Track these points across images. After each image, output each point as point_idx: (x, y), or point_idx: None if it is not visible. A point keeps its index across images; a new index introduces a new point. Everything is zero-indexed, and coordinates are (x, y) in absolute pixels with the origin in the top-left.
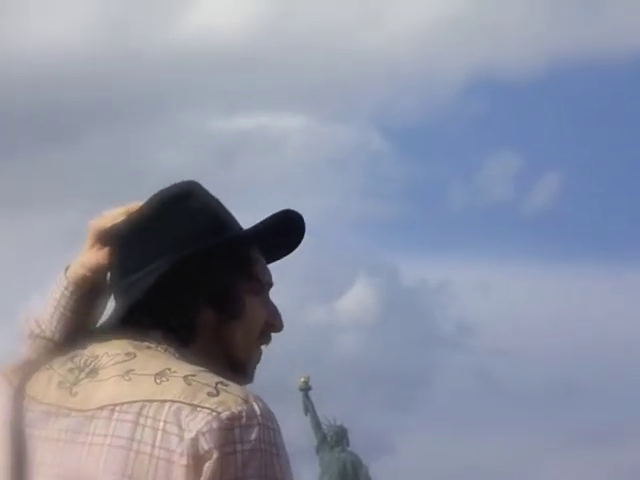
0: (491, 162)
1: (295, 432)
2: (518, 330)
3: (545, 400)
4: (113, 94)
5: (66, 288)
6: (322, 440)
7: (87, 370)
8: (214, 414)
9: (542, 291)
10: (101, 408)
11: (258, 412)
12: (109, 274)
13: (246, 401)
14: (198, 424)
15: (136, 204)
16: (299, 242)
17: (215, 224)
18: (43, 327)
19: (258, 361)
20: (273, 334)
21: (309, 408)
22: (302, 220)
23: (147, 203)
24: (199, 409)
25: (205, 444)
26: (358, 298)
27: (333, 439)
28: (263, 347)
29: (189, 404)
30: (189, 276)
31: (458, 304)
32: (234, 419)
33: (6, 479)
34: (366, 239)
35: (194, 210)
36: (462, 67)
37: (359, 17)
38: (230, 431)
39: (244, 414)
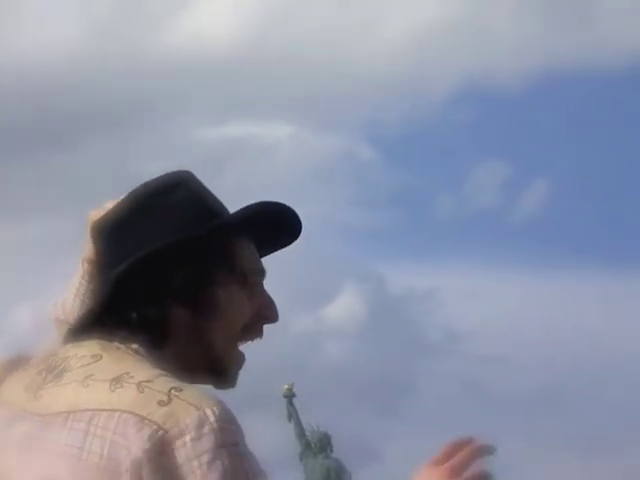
0: (479, 170)
1: (280, 439)
2: (506, 337)
3: (532, 407)
4: (103, 102)
5: (82, 277)
6: (306, 447)
7: (54, 373)
8: (161, 432)
9: (530, 298)
10: (57, 414)
11: (211, 418)
12: (96, 268)
13: (198, 408)
14: (143, 442)
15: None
16: (294, 231)
17: (197, 217)
18: (67, 313)
19: (241, 365)
20: (265, 332)
21: (293, 415)
22: (285, 206)
23: (131, 194)
24: (146, 422)
25: (149, 470)
26: (345, 306)
27: (317, 446)
28: (256, 340)
29: (137, 415)
30: (154, 273)
31: (445, 311)
32: (182, 435)
33: None
34: (354, 247)
35: (176, 202)
36: (450, 76)
37: (348, 27)
38: (180, 450)
39: (192, 426)
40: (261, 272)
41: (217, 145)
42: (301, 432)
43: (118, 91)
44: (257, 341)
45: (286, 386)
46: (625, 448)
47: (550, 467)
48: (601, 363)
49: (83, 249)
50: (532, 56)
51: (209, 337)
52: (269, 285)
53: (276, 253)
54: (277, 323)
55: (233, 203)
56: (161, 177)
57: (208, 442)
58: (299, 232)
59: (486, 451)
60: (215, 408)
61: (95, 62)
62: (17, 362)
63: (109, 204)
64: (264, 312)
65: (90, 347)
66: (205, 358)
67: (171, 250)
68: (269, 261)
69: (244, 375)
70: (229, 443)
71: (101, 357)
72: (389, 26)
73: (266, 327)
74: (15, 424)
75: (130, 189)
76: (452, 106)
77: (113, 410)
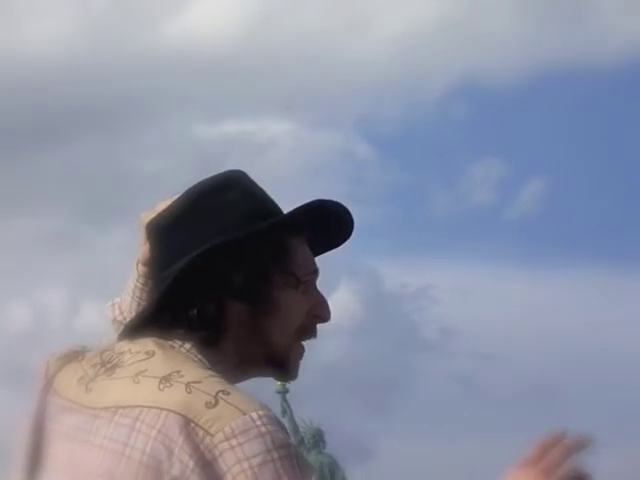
0: (475, 168)
1: None
2: (500, 335)
3: (526, 404)
4: (98, 100)
5: (137, 280)
6: (299, 443)
7: (108, 367)
8: (207, 438)
9: (524, 296)
10: (106, 409)
11: (258, 422)
12: (150, 268)
13: (244, 412)
14: (190, 445)
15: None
16: (348, 228)
17: (251, 215)
18: (125, 314)
19: (301, 357)
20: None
21: (287, 411)
22: (341, 206)
23: (185, 194)
24: (192, 425)
25: (196, 475)
26: (340, 302)
27: (310, 442)
28: (312, 340)
29: (184, 416)
30: (209, 273)
31: (440, 308)
32: (227, 439)
33: (21, 469)
34: (349, 244)
35: (228, 202)
36: (447, 73)
37: (344, 24)
38: (226, 454)
39: (238, 430)
40: (315, 272)
41: (213, 142)
42: (294, 428)
43: (113, 88)
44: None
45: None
46: (618, 446)
47: None
48: (595, 361)
49: (138, 252)
50: (528, 54)
51: (266, 335)
52: None
53: None
54: None
55: None
56: (215, 176)
57: (258, 445)
58: (350, 233)
59: (581, 446)
60: (261, 412)
61: (90, 59)
62: (74, 355)
63: (161, 205)
64: (317, 311)
65: (145, 344)
66: (262, 354)
67: (229, 248)
68: None
69: None
70: (278, 446)
71: (154, 354)
72: (386, 23)
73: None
74: (65, 415)
75: (125, 187)
76: (448, 103)
77: (160, 409)
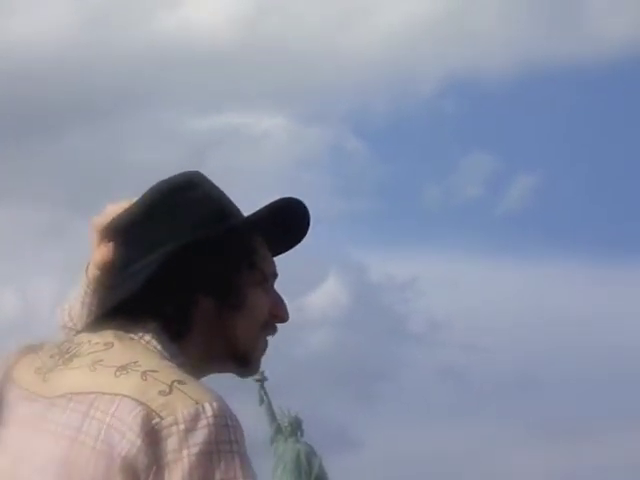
0: (465, 163)
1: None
2: (485, 327)
3: (511, 394)
4: (91, 92)
5: (87, 286)
6: (277, 431)
7: (65, 357)
8: (156, 419)
9: (510, 288)
10: (61, 396)
11: (209, 412)
12: (112, 268)
13: (197, 402)
14: (139, 426)
15: (136, 198)
16: (305, 232)
17: (215, 213)
18: (75, 320)
19: (263, 353)
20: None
21: (264, 399)
22: (305, 207)
23: (147, 194)
24: (143, 407)
25: (143, 454)
26: (328, 294)
27: (288, 430)
28: (268, 338)
29: (136, 400)
30: (185, 267)
31: (427, 300)
32: (175, 424)
33: None
34: (338, 236)
35: (194, 200)
36: (438, 69)
37: (337, 19)
38: (172, 438)
39: (188, 417)
40: (275, 273)
41: (204, 135)
42: (272, 416)
43: (106, 80)
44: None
45: None
46: (603, 438)
47: (531, 453)
48: (582, 352)
49: (90, 256)
50: (519, 51)
51: (233, 330)
52: None
53: None
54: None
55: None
56: (175, 176)
57: (202, 435)
58: (305, 233)
59: None
60: (215, 403)
61: (83, 52)
62: (33, 347)
63: (112, 208)
64: (276, 311)
65: (104, 335)
66: (227, 349)
67: (202, 243)
68: None
69: None
70: (223, 440)
71: (113, 345)
72: (379, 19)
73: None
74: (22, 404)
75: (117, 179)
76: (439, 99)
77: (114, 394)
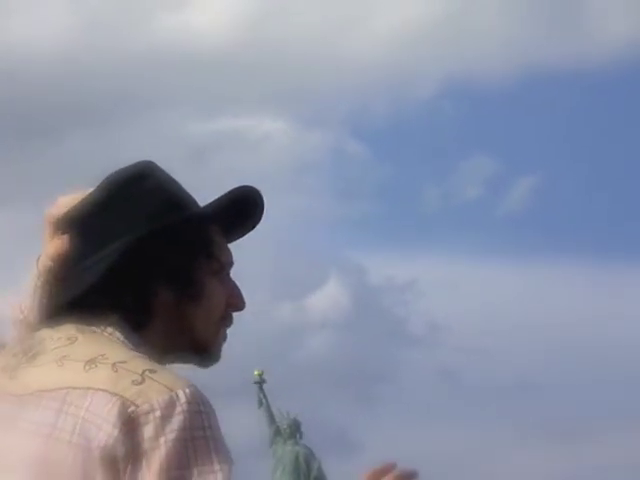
0: (465, 165)
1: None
2: (484, 329)
3: (511, 396)
4: (93, 94)
5: (38, 278)
6: (276, 433)
7: (29, 355)
8: (132, 407)
9: (510, 290)
10: (31, 394)
11: (183, 399)
12: (67, 260)
13: (171, 389)
14: (115, 416)
15: (90, 189)
16: (259, 220)
17: (171, 203)
18: (26, 313)
19: (223, 342)
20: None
21: (263, 401)
22: (260, 196)
23: (100, 186)
24: (118, 398)
25: (120, 443)
26: (328, 296)
27: (286, 432)
28: (228, 328)
29: (110, 392)
30: (145, 257)
31: (427, 302)
32: (152, 411)
33: None
34: (338, 238)
35: (149, 190)
36: (438, 71)
37: (337, 22)
38: (149, 425)
39: (163, 404)
40: (231, 262)
41: (205, 138)
42: (271, 418)
43: (107, 84)
44: (244, 331)
45: (256, 372)
46: (608, 436)
47: (529, 454)
48: (582, 353)
49: (42, 249)
50: (519, 53)
51: (192, 321)
52: (257, 275)
53: (262, 243)
54: (261, 312)
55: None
56: (129, 167)
57: (177, 422)
58: (259, 220)
59: (410, 477)
60: (187, 390)
61: (83, 55)
62: None
63: (65, 199)
64: (233, 300)
65: (66, 330)
66: (187, 340)
67: (160, 233)
68: (257, 251)
69: (228, 364)
70: (198, 426)
71: (76, 339)
72: (378, 22)
73: (248, 317)
74: None
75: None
76: (439, 101)
77: (87, 388)
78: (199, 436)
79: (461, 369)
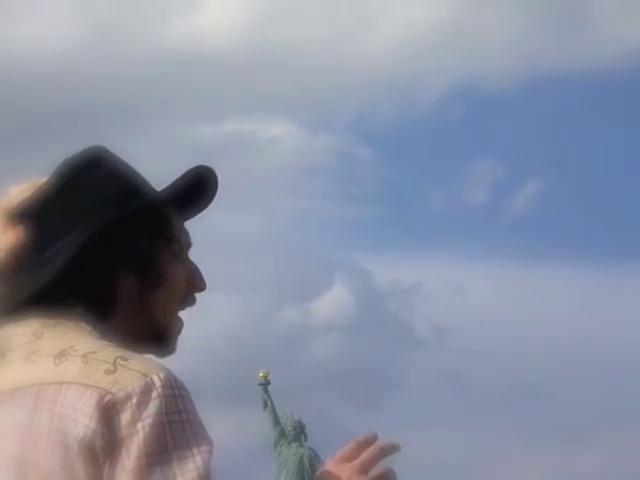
0: (471, 169)
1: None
2: (490, 332)
3: (514, 399)
4: (101, 98)
5: None
6: (280, 435)
7: None
8: (108, 396)
9: (516, 294)
10: (3, 392)
11: (158, 383)
12: (23, 253)
13: (145, 374)
14: (92, 407)
15: (43, 178)
16: (212, 199)
17: (127, 189)
18: None
19: (181, 329)
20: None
21: (267, 403)
22: (214, 174)
23: (55, 175)
24: (93, 389)
25: (98, 434)
26: (334, 299)
27: (291, 434)
28: (188, 309)
29: (84, 384)
30: (105, 246)
31: (432, 305)
32: (128, 398)
33: None
34: (344, 242)
35: (103, 177)
36: (444, 75)
37: (344, 27)
38: (126, 412)
39: (139, 390)
40: (190, 243)
41: (213, 141)
42: (275, 420)
43: (115, 88)
44: (242, 331)
45: (261, 373)
46: (608, 439)
47: (532, 457)
48: (583, 357)
49: None
50: (525, 57)
51: (154, 308)
52: (263, 279)
53: (267, 246)
54: (267, 315)
55: (228, 198)
56: (81, 153)
57: (153, 407)
58: (213, 198)
59: (392, 449)
60: (162, 374)
61: (92, 59)
62: None
63: (16, 190)
64: (194, 281)
65: (31, 325)
66: (149, 328)
67: (115, 223)
68: (260, 252)
69: (232, 367)
70: (174, 410)
71: (43, 334)
72: (384, 27)
73: (245, 319)
74: None
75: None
76: (445, 105)
77: (59, 383)
78: (176, 420)
79: (466, 372)
